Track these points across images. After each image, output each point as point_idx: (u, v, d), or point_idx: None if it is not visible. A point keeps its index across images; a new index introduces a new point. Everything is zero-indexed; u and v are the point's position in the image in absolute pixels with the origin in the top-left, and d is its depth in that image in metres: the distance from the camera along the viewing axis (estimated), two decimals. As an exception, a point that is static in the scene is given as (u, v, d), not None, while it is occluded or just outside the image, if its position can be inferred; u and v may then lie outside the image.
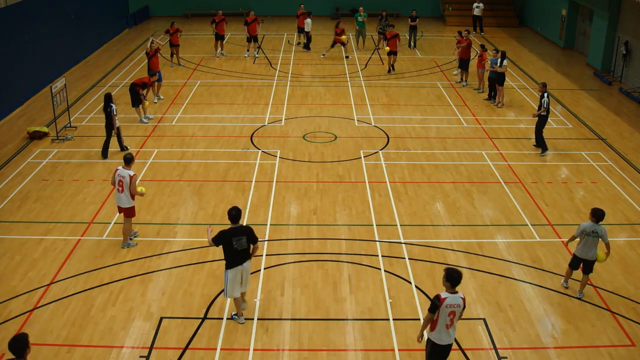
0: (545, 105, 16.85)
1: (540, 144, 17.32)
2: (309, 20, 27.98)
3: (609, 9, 24.44)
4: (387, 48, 24.52)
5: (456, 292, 8.36)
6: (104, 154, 16.69)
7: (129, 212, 12.33)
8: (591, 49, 26.56)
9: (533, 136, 18.19)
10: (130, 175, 12.00)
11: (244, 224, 10.31)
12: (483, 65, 22.01)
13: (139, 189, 12.14)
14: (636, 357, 9.74)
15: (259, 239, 10.56)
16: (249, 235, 9.92)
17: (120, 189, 12.08)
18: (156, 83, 20.99)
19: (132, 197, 12.18)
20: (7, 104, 20.12)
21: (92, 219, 13.66)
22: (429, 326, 8.49)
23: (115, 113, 16.42)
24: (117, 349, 9.74)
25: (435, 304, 8.27)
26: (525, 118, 19.77)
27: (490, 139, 18.31)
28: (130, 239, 12.64)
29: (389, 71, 24.94)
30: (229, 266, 9.93)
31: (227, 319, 10.44)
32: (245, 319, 10.43)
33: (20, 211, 13.96)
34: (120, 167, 12.18)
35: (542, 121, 17.20)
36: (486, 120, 19.79)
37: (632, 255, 12.50)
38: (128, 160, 12.22)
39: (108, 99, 16.45)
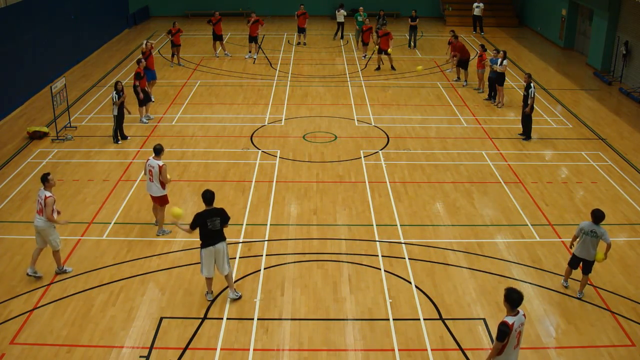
0: (532, 96, 17.75)
1: (528, 130, 18.23)
2: (343, 12, 29.84)
3: (609, 9, 24.43)
4: (370, 51, 25.07)
5: (518, 312, 8.03)
6: (116, 138, 17.77)
7: (160, 201, 12.81)
8: (591, 49, 26.55)
9: (532, 136, 18.25)
10: (159, 166, 12.47)
11: (217, 207, 10.61)
12: (483, 65, 22.02)
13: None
14: (636, 357, 9.74)
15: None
16: (222, 217, 10.46)
17: (150, 178, 12.59)
18: (150, 81, 21.02)
19: (163, 186, 12.62)
20: (7, 104, 20.12)
21: (92, 219, 13.67)
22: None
23: (115, 100, 17.20)
24: (117, 349, 9.74)
25: (506, 332, 7.83)
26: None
27: (490, 139, 18.31)
28: (163, 228, 13.11)
29: (378, 68, 25.22)
30: (202, 245, 10.49)
31: (227, 319, 10.45)
32: (245, 319, 10.44)
33: (20, 211, 13.96)
34: (150, 157, 12.65)
35: (531, 109, 18.01)
36: (486, 120, 19.79)
37: (632, 255, 12.50)
38: (157, 151, 12.69)
39: (115, 87, 17.46)
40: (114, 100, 17.22)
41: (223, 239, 10.56)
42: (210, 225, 10.37)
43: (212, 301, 10.86)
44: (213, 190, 14.94)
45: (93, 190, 14.98)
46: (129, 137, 17.91)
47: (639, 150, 17.72)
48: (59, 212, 11.38)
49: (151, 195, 12.89)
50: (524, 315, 8.14)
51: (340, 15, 30.25)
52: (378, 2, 33.64)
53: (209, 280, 10.82)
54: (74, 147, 17.53)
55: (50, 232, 11.19)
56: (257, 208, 14.10)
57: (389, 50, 24.58)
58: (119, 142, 17.65)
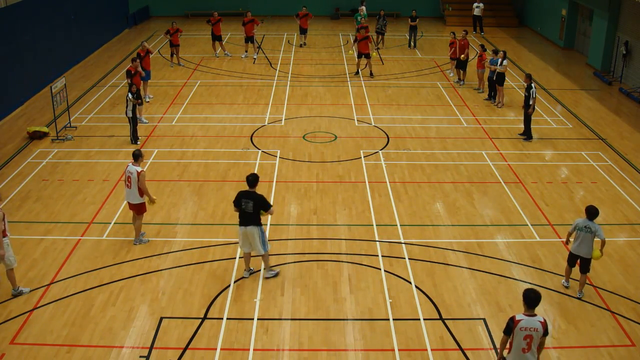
0: (533, 96, 17.71)
1: (528, 130, 18.21)
2: (363, 8, 29.96)
3: (609, 9, 24.44)
4: (352, 51, 24.74)
5: (534, 315, 8.01)
6: (135, 139, 17.78)
7: (138, 209, 12.40)
8: (591, 49, 26.56)
9: (533, 136, 18.25)
10: (137, 172, 12.08)
11: (257, 192, 11.08)
12: (483, 65, 22.02)
13: (154, 201, 12.40)
14: (636, 357, 9.74)
15: (272, 206, 11.29)
16: (257, 202, 10.93)
17: (128, 184, 12.22)
18: (145, 82, 21.02)
19: (141, 193, 12.22)
20: (7, 104, 20.12)
21: (92, 219, 13.67)
22: (507, 348, 8.16)
23: (128, 98, 17.10)
24: (117, 349, 9.74)
25: (509, 325, 8.01)
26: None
27: (490, 139, 18.31)
28: (143, 235, 12.81)
29: (357, 72, 24.53)
30: (239, 224, 11.15)
31: (227, 319, 10.45)
32: (245, 319, 10.44)
33: (20, 211, 13.96)
34: (129, 164, 12.33)
35: (532, 109, 18.01)
36: (486, 120, 19.79)
37: (632, 255, 12.50)
38: (136, 157, 12.33)
39: (129, 89, 17.48)
40: (128, 99, 17.06)
41: (255, 223, 11.01)
42: (244, 205, 10.93)
43: (212, 301, 10.86)
44: (215, 188, 15.03)
45: (93, 190, 14.98)
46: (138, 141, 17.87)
47: (639, 150, 17.72)
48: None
49: (129, 204, 12.49)
50: (542, 322, 7.99)
51: (362, 11, 30.34)
52: (378, 2, 33.65)
53: (245, 256, 11.40)
54: (74, 147, 17.53)
55: (6, 249, 10.66)
56: (257, 208, 14.09)
57: (373, 54, 24.17)
58: (138, 142, 17.59)
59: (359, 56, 24.37)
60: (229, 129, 18.94)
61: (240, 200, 11.00)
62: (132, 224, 12.80)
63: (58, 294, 11.08)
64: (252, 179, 11.07)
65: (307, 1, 30.16)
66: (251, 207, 10.91)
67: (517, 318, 8.01)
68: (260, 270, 11.73)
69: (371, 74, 24.40)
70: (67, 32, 25.27)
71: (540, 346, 8.18)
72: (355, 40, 24.39)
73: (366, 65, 24.72)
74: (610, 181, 15.72)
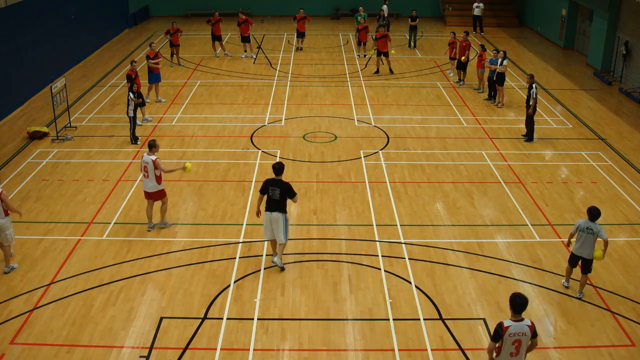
0: (534, 96, 17.62)
1: (531, 132, 18.18)
2: (385, 7, 29.90)
3: (609, 9, 24.43)
4: (371, 51, 24.99)
5: (522, 320, 7.94)
6: (135, 139, 17.79)
7: (158, 195, 12.88)
8: (591, 49, 26.56)
9: (534, 138, 18.26)
10: (152, 160, 12.53)
11: (284, 180, 11.44)
12: (483, 65, 22.00)
13: (187, 164, 13.09)
14: (636, 357, 9.74)
15: (296, 194, 11.57)
16: (284, 189, 11.27)
17: (146, 174, 12.67)
18: (155, 84, 21.01)
19: (159, 181, 12.69)
20: (7, 104, 20.12)
21: (92, 219, 13.67)
22: (494, 353, 8.09)
23: (130, 97, 17.16)
24: (117, 349, 9.74)
25: (498, 332, 7.86)
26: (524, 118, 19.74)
27: (490, 139, 18.31)
28: (153, 224, 13.16)
29: (377, 71, 24.74)
30: (265, 209, 11.44)
31: (227, 319, 10.45)
32: (245, 319, 10.44)
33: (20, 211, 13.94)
34: (144, 154, 12.73)
35: (534, 110, 17.94)
36: (486, 120, 19.79)
37: (632, 255, 12.50)
38: (150, 146, 12.80)
39: (130, 89, 17.57)
40: (129, 99, 17.08)
41: (281, 210, 11.33)
42: (271, 193, 11.30)
43: (212, 301, 10.86)
44: (215, 188, 15.01)
45: (93, 190, 14.99)
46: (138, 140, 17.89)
47: (639, 150, 17.72)
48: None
49: (147, 192, 12.87)
50: (530, 326, 7.95)
51: (385, 10, 30.14)
52: (378, 2, 33.61)
53: (270, 243, 11.76)
54: (74, 147, 17.53)
55: (9, 226, 11.55)
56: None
57: (392, 52, 24.54)
58: (138, 142, 17.61)
59: (378, 54, 24.58)
60: (229, 129, 18.94)
61: (267, 188, 11.34)
62: (145, 213, 13.13)
63: (58, 294, 11.08)
64: (279, 167, 11.43)
65: (307, 1, 30.08)
66: (278, 194, 11.23)
67: (506, 324, 7.89)
68: (260, 271, 11.74)
69: (390, 71, 24.77)
70: (67, 32, 25.27)
71: (531, 347, 8.13)
72: (374, 39, 24.71)
73: (370, 59, 24.80)
74: (610, 181, 15.72)
